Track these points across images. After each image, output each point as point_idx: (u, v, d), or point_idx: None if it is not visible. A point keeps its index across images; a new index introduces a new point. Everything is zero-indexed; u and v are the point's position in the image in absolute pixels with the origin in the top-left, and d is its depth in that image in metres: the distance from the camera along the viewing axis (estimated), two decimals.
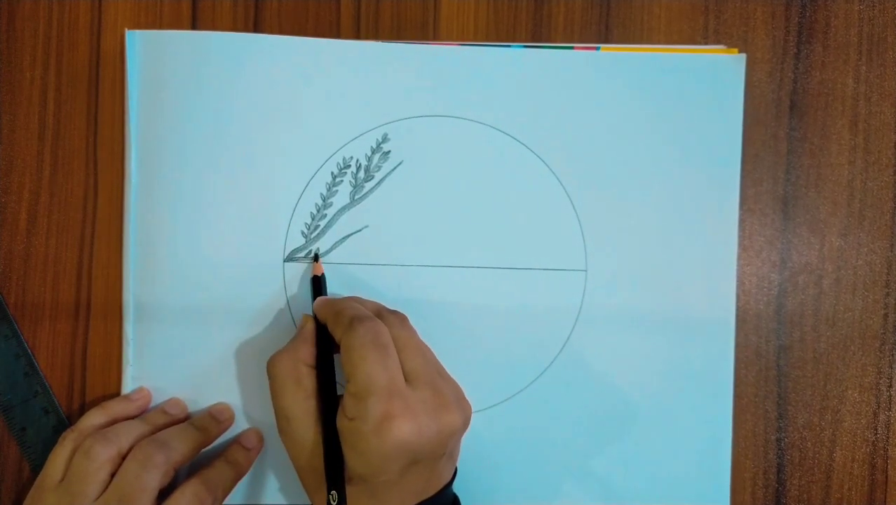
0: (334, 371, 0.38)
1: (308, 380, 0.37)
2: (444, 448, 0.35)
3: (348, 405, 0.34)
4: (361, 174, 0.43)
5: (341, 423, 0.35)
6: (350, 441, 0.34)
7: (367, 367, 0.34)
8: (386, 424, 0.33)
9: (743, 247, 0.44)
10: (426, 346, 0.38)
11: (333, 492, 0.34)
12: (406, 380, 0.35)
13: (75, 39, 0.43)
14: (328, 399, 0.37)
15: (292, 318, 0.42)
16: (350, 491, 0.35)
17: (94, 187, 0.43)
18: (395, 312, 0.38)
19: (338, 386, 0.38)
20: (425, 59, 0.43)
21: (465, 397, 0.37)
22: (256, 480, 0.42)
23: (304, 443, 0.36)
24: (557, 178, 0.43)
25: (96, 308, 0.43)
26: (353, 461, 0.34)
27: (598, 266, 0.43)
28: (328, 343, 0.38)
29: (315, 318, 0.39)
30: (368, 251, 0.42)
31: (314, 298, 0.40)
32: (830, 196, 0.44)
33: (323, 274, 0.41)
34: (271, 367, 0.38)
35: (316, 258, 0.42)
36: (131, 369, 0.42)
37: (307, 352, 0.38)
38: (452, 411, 0.35)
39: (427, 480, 0.36)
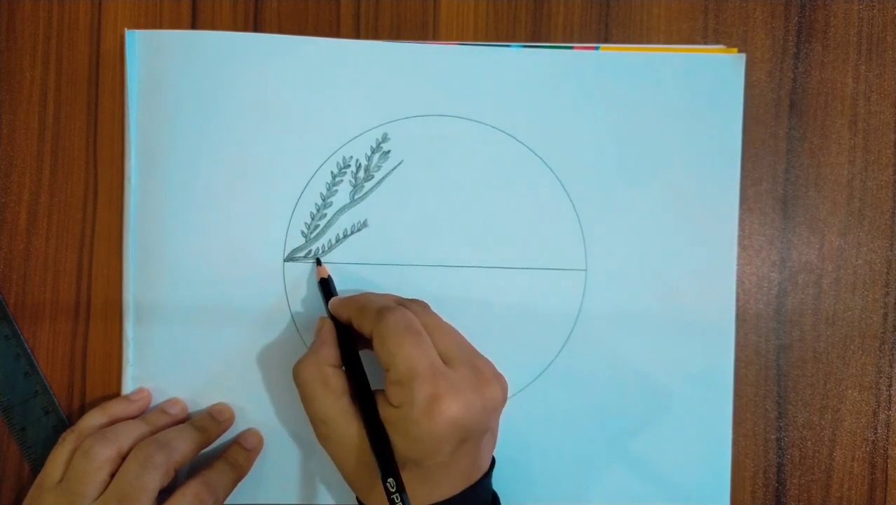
0: (362, 365, 0.37)
1: (336, 380, 0.37)
2: (488, 423, 0.36)
3: (392, 393, 0.34)
4: (361, 174, 0.43)
5: (386, 412, 0.35)
6: (400, 428, 0.34)
7: (406, 352, 0.34)
8: (434, 404, 0.33)
9: (743, 246, 0.44)
10: (453, 327, 0.38)
11: (390, 480, 0.34)
12: (443, 361, 0.35)
13: (75, 39, 0.43)
14: (364, 392, 0.36)
15: (292, 317, 0.42)
16: (404, 477, 0.34)
17: (94, 187, 0.43)
18: (415, 300, 0.38)
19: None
20: (425, 59, 0.43)
21: (499, 371, 0.37)
22: (257, 481, 0.42)
23: (348, 442, 0.36)
24: (557, 178, 0.43)
25: (96, 308, 0.43)
26: (405, 447, 0.34)
27: (598, 266, 0.43)
28: (351, 340, 0.38)
29: (332, 318, 0.39)
30: (368, 251, 0.42)
31: (326, 300, 0.40)
32: (830, 195, 0.44)
33: (329, 276, 0.41)
34: (297, 375, 0.37)
35: (318, 262, 0.42)
36: (131, 369, 0.42)
37: (329, 353, 0.38)
38: (493, 385, 0.36)
39: (473, 461, 0.36)
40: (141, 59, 0.42)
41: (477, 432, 0.35)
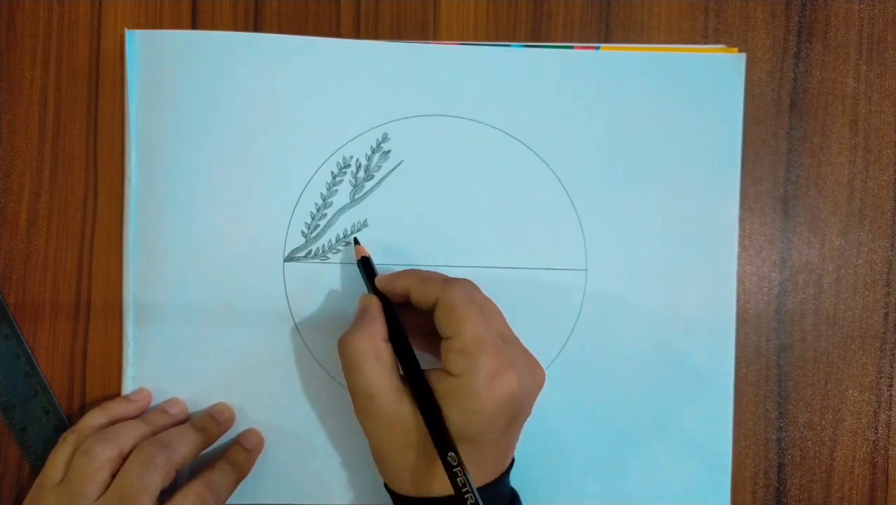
0: (409, 342, 0.37)
1: (387, 355, 0.36)
2: (531, 405, 0.36)
3: (454, 362, 0.34)
4: (361, 174, 0.43)
5: (442, 385, 0.34)
6: (458, 401, 0.34)
7: (473, 323, 0.34)
8: (498, 378, 0.33)
9: (743, 246, 0.44)
10: None
11: (451, 454, 0.33)
12: None
13: (75, 39, 0.43)
14: (414, 368, 0.36)
15: (292, 318, 0.42)
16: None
17: (94, 187, 0.43)
18: (466, 279, 0.38)
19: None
20: (425, 59, 0.43)
21: None
22: (257, 481, 0.42)
23: (397, 418, 0.35)
24: (557, 178, 0.43)
25: (96, 308, 0.43)
26: (461, 420, 0.34)
27: (599, 266, 0.43)
28: (397, 317, 0.38)
29: (378, 295, 0.38)
30: (368, 251, 0.42)
31: (369, 277, 0.39)
32: (830, 195, 0.44)
33: (370, 255, 0.41)
34: (346, 347, 0.36)
35: (356, 241, 0.42)
36: (131, 369, 0.42)
37: (380, 327, 0.37)
38: (539, 367, 0.36)
39: (511, 445, 0.36)
40: (141, 59, 0.42)
41: (524, 413, 0.35)
